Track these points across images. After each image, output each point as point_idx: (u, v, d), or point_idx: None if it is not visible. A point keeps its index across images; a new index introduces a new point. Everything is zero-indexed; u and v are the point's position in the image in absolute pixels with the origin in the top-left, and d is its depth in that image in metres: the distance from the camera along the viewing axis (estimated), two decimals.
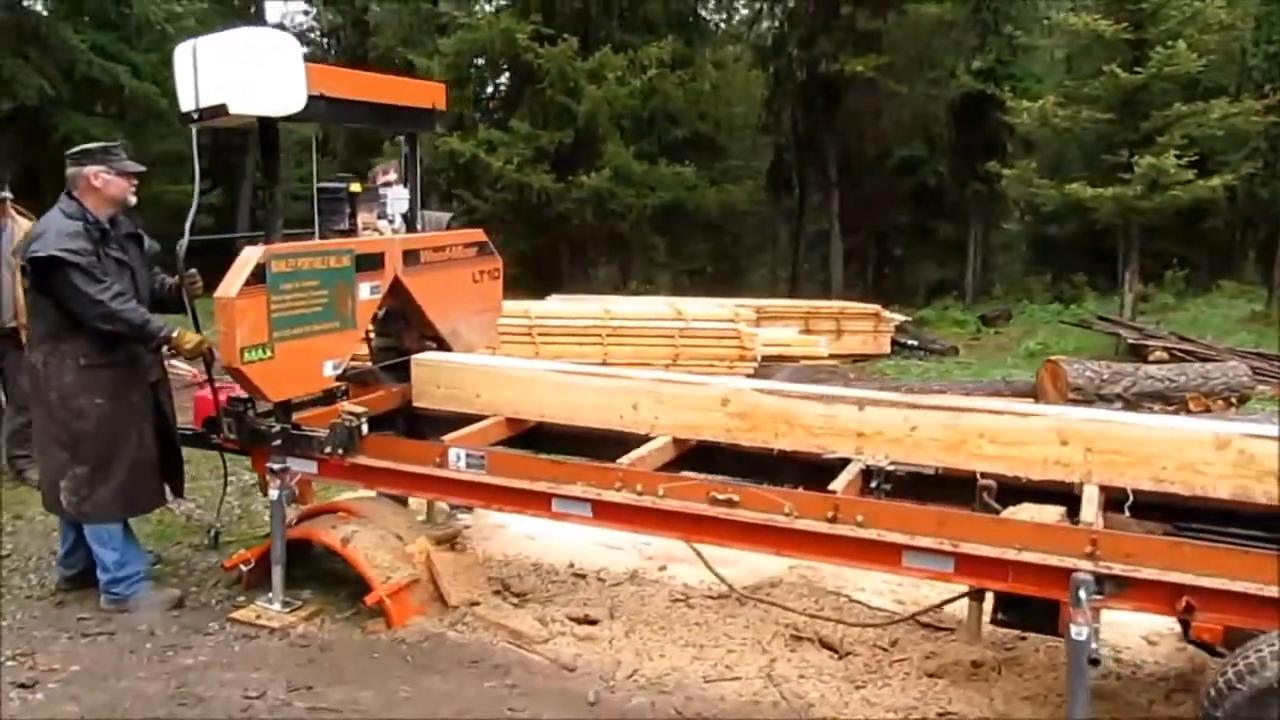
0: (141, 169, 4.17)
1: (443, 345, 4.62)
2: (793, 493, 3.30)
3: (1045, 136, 12.43)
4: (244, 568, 4.29)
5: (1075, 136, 12.33)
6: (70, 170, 4.05)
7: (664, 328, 9.77)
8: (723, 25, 18.55)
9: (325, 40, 28.12)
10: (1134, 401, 7.86)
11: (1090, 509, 3.11)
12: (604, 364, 9.70)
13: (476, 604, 4.07)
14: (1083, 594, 2.77)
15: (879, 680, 3.55)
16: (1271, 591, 2.69)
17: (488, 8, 14.42)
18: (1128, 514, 3.27)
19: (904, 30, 15.89)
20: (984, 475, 3.39)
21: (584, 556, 4.64)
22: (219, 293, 3.63)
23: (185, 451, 4.47)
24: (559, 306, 10.61)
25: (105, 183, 3.98)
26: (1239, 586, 2.73)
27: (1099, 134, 12.02)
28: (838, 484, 3.34)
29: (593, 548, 4.69)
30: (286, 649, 3.80)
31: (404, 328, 4.73)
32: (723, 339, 9.72)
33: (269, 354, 3.71)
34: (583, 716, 3.31)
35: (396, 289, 4.37)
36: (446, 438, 3.90)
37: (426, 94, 4.71)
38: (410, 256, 4.39)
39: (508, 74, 15.22)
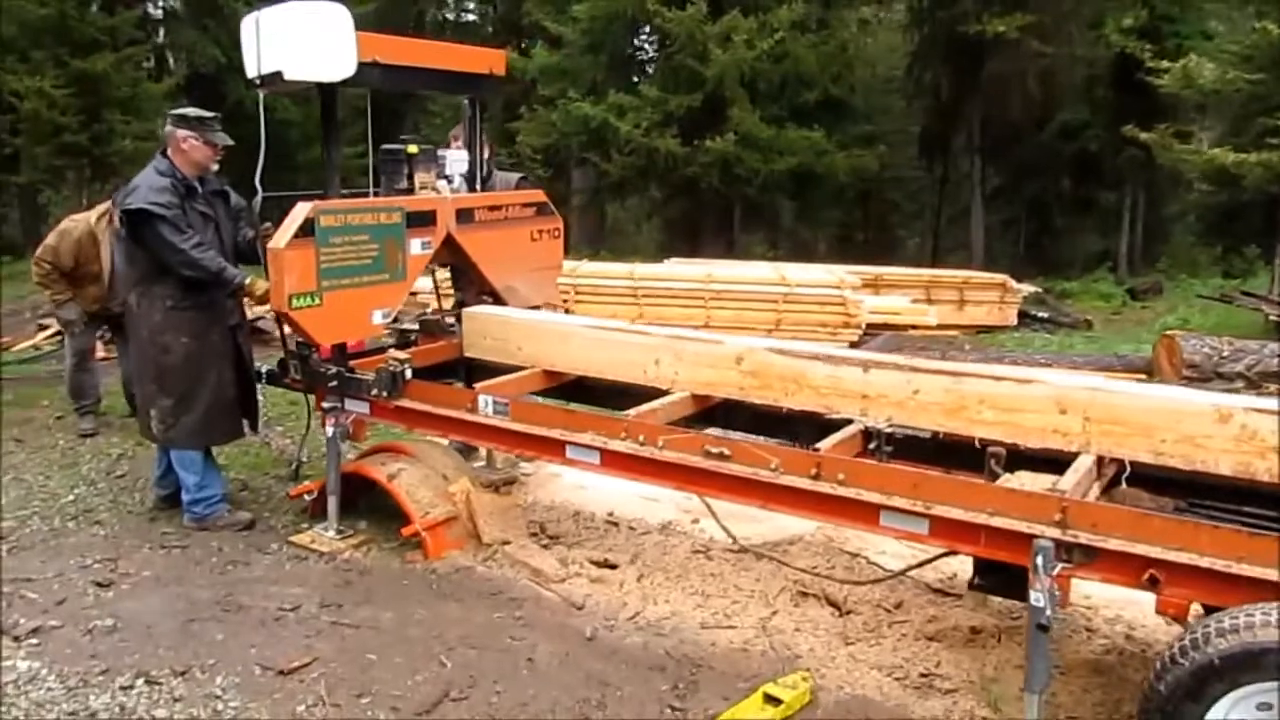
0: (229, 142, 4.55)
1: (498, 300, 4.85)
2: (779, 448, 3.38)
3: (1192, 98, 11.56)
4: (307, 497, 4.70)
5: (1223, 98, 11.42)
6: (166, 129, 4.51)
7: (767, 292, 9.77)
8: None
9: (485, 8, 29.10)
10: (1256, 381, 7.38)
11: (1073, 477, 3.05)
12: (704, 327, 9.82)
13: (507, 543, 4.33)
14: (1040, 560, 2.75)
15: (873, 639, 3.59)
16: (1237, 568, 2.61)
17: None
18: (1124, 485, 3.19)
19: None
20: (985, 442, 3.38)
21: (624, 506, 4.83)
22: (270, 244, 3.98)
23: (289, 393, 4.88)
24: (662, 269, 10.75)
25: (192, 147, 4.39)
26: (1204, 562, 2.65)
27: (1252, 95, 11.07)
28: (825, 443, 3.39)
29: (633, 499, 4.86)
30: (330, 570, 4.17)
31: (466, 283, 5.01)
32: (826, 305, 9.63)
33: (317, 301, 4.02)
34: (576, 650, 3.51)
35: (451, 245, 4.63)
36: (478, 385, 4.15)
37: (484, 60, 4.89)
38: (464, 215, 4.62)
39: (640, 38, 15.33)
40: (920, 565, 3.66)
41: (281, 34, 4.09)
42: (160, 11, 19.81)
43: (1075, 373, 4.25)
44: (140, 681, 3.17)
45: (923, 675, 3.36)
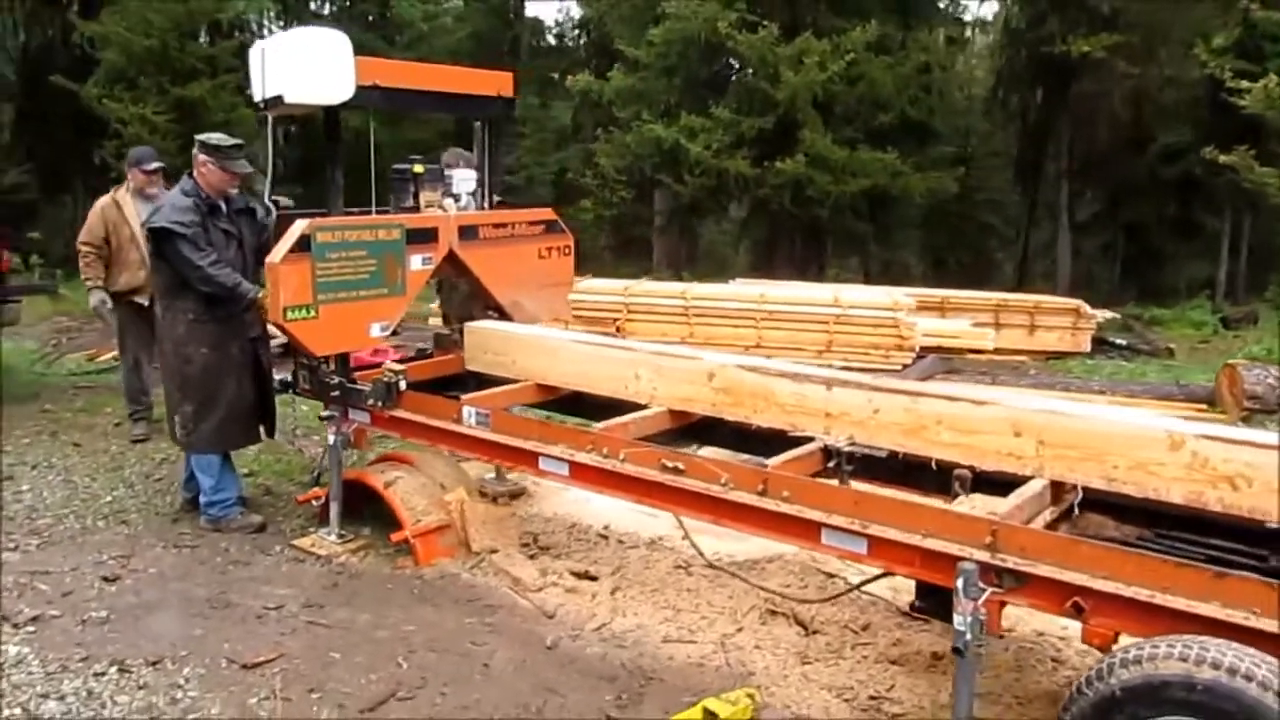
0: (247, 170, 4.80)
1: (504, 315, 4.98)
2: (729, 464, 3.39)
3: (1276, 120, 11.00)
4: (315, 503, 4.90)
5: None
6: (193, 151, 4.78)
7: (819, 314, 9.68)
8: (944, 5, 17.61)
9: (577, 32, 29.73)
10: None
11: (1015, 501, 3.00)
12: (756, 348, 9.79)
13: (495, 551, 4.43)
14: (961, 583, 2.70)
15: (833, 659, 3.56)
16: (1160, 599, 2.53)
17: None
18: (1080, 512, 3.12)
19: (1140, 5, 14.47)
20: (941, 463, 3.35)
21: (620, 520, 4.87)
22: (268, 259, 4.18)
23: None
24: (715, 289, 10.75)
25: (209, 171, 4.63)
26: (1129, 591, 2.58)
27: None
28: (776, 460, 3.40)
29: (631, 514, 4.88)
30: (322, 573, 4.33)
31: (452, 298, 5.16)
32: (879, 327, 9.49)
33: (313, 314, 4.18)
34: (534, 657, 3.58)
35: (454, 261, 4.76)
36: (464, 397, 4.28)
37: (492, 83, 5.05)
38: (467, 231, 4.75)
39: (711, 61, 15.42)
40: (866, 583, 3.62)
41: (283, 60, 4.33)
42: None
43: (1034, 395, 4.14)
44: (114, 669, 3.37)
45: (872, 698, 3.32)
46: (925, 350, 9.57)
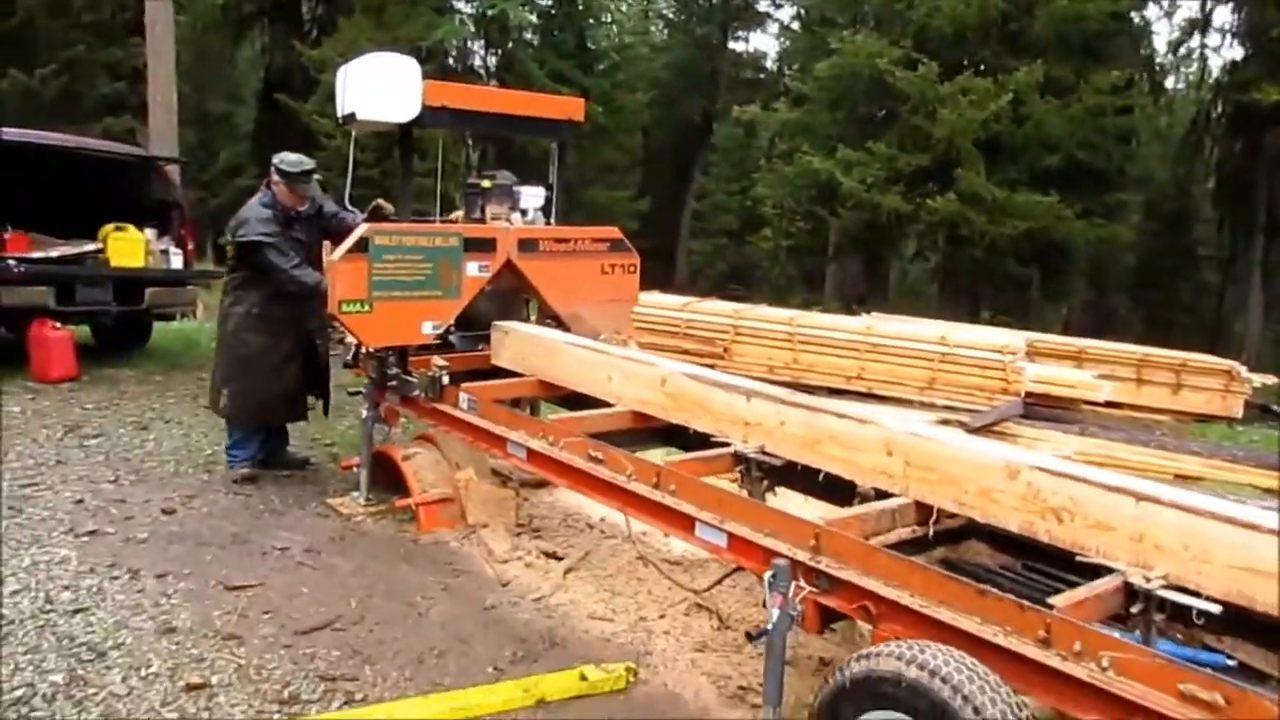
0: (315, 194, 5.50)
1: (563, 326, 5.33)
2: (634, 458, 3.73)
3: None
4: (355, 470, 5.56)
5: None
6: (271, 169, 5.50)
7: (924, 350, 9.56)
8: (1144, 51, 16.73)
9: (776, 67, 30.17)
10: None
11: (854, 511, 3.20)
12: (857, 379, 9.81)
13: (485, 526, 4.93)
14: (770, 577, 2.94)
15: (726, 652, 3.82)
16: (933, 611, 2.69)
17: (860, 36, 14.72)
18: (931, 537, 3.26)
19: None
20: (828, 476, 3.56)
21: (617, 516, 5.22)
22: (328, 256, 4.84)
23: None
24: (823, 319, 10.82)
25: (280, 191, 5.35)
26: (906, 600, 2.75)
27: None
28: (676, 458, 3.71)
29: None
30: (336, 527, 4.97)
31: (507, 304, 5.68)
32: (985, 369, 9.27)
33: (367, 309, 4.70)
34: (467, 614, 4.04)
35: (513, 270, 5.16)
36: (463, 385, 4.79)
37: (564, 108, 5.56)
38: (526, 244, 5.15)
39: (877, 99, 15.43)
40: (718, 582, 3.85)
41: (358, 80, 4.98)
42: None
43: (909, 415, 4.20)
44: (126, 575, 4.11)
45: (741, 688, 3.56)
46: (1031, 397, 9.30)
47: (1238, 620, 2.70)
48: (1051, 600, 2.58)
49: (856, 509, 3.24)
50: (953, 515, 3.29)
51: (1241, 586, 2.53)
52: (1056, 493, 2.89)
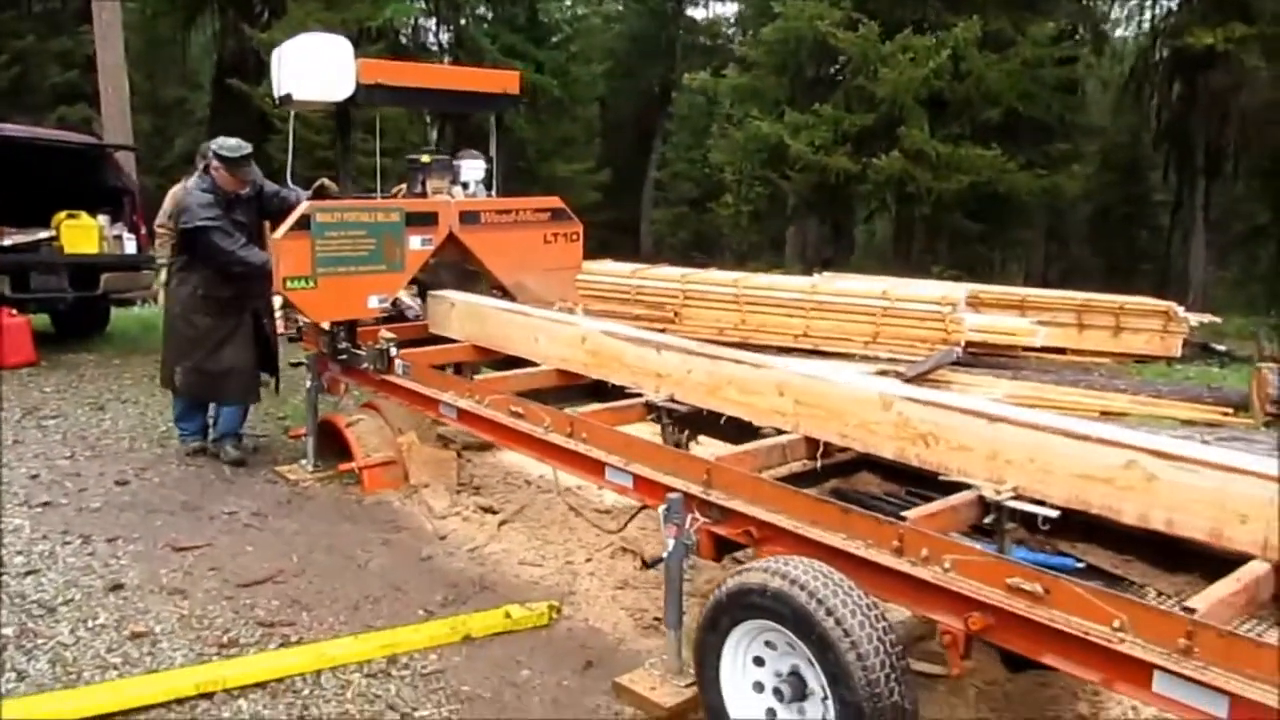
0: (254, 178, 5.60)
1: (508, 295, 5.49)
2: (550, 410, 3.97)
3: None
4: (303, 439, 5.77)
5: None
6: (208, 152, 5.59)
7: (867, 305, 9.89)
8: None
9: (732, 31, 30.27)
10: None
11: (747, 448, 3.46)
12: (803, 336, 10.12)
13: (427, 486, 5.17)
14: (664, 509, 3.20)
15: (646, 589, 4.09)
16: (807, 530, 2.95)
17: None
18: (820, 465, 3.53)
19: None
20: (729, 419, 3.81)
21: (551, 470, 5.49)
22: (272, 235, 5.01)
23: None
24: (768, 279, 11.10)
25: (219, 175, 5.41)
26: (782, 521, 3.01)
27: None
28: (588, 408, 3.96)
29: None
30: (284, 492, 5.20)
31: (444, 274, 5.88)
32: (925, 321, 9.61)
33: (312, 285, 4.82)
34: (404, 565, 4.29)
35: (455, 243, 5.30)
36: (400, 351, 5.01)
37: (498, 81, 5.67)
38: (468, 216, 5.29)
39: (822, 61, 15.62)
40: (629, 521, 4.14)
41: (292, 62, 5.10)
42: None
43: (801, 361, 4.47)
44: (78, 540, 4.32)
45: (656, 618, 3.82)
46: (972, 345, 9.63)
47: (1091, 528, 3.01)
48: (906, 514, 2.85)
49: (747, 445, 3.49)
50: (844, 450, 3.57)
51: (1079, 492, 2.83)
52: (924, 420, 3.17)
